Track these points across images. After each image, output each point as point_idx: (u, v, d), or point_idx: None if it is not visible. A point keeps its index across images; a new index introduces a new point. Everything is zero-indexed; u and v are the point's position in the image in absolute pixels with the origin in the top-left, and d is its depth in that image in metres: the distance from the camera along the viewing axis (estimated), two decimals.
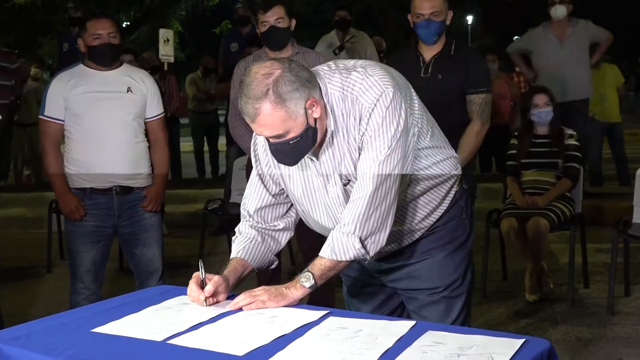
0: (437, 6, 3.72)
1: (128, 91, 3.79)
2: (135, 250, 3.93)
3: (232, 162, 6.43)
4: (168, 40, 10.52)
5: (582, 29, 6.91)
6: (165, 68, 9.55)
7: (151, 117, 3.93)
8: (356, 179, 2.30)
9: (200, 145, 10.36)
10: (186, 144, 10.42)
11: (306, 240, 4.38)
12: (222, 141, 9.23)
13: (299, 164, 2.36)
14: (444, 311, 2.57)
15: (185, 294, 2.49)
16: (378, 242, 2.30)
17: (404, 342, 1.97)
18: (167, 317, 2.25)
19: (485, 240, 5.12)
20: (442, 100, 3.43)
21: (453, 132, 3.17)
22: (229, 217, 6.47)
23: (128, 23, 15.42)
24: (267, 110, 2.14)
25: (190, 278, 2.36)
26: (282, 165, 2.41)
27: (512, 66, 13.71)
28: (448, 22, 4.42)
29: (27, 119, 9.62)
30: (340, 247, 2.29)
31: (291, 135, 2.22)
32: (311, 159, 2.36)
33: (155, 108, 3.94)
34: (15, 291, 5.42)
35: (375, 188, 2.23)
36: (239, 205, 5.91)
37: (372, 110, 2.21)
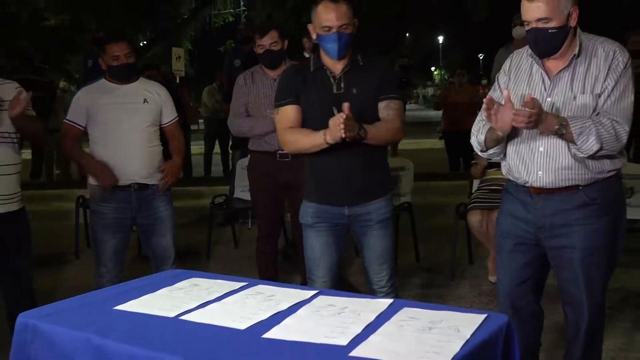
0: (346, 17, 2.92)
1: (144, 102, 3.82)
2: (151, 240, 3.93)
3: (236, 163, 6.44)
4: (180, 57, 10.53)
5: None
6: (177, 81, 9.58)
7: (167, 122, 3.95)
8: None
9: (210, 148, 10.38)
10: (195, 147, 10.42)
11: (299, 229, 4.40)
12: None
13: None
14: None
15: (194, 277, 2.50)
16: None
17: (383, 317, 1.99)
18: (179, 297, 2.26)
19: (454, 230, 5.14)
20: (360, 114, 2.86)
21: None
22: (233, 211, 6.50)
23: (145, 42, 15.35)
24: None
25: (198, 264, 2.39)
26: None
27: (478, 79, 13.74)
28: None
29: (56, 126, 9.55)
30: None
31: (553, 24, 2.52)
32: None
33: (169, 114, 3.97)
34: (47, 275, 5.41)
35: None
36: (242, 200, 5.98)
37: None
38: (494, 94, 2.82)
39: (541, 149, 2.66)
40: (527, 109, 2.43)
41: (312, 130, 2.95)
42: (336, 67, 3.03)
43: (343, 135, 2.74)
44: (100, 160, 3.77)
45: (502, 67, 2.88)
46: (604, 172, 2.67)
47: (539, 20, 2.54)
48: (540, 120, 2.47)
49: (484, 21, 11.44)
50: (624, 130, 2.55)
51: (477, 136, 2.79)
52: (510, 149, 2.77)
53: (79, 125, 3.81)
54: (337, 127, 2.72)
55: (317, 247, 3.11)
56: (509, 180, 2.86)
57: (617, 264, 2.80)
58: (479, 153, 2.89)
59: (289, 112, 3.03)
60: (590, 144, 2.50)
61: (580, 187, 2.67)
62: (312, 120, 2.99)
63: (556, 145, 2.63)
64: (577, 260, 2.69)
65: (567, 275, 2.75)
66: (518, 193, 2.80)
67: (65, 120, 3.87)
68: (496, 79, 2.90)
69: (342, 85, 3.00)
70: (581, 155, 2.56)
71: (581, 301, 2.74)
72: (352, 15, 2.97)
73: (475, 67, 19.94)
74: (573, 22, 2.58)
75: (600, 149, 2.52)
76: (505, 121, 2.50)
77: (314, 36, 3.04)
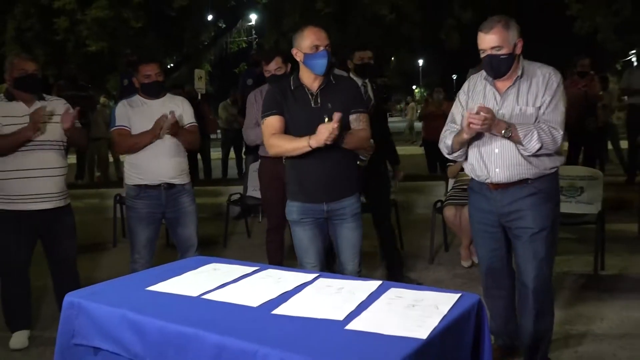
0: (327, 38, 2.93)
1: (170, 114, 3.78)
2: (177, 230, 3.91)
3: (248, 166, 6.43)
4: (201, 77, 10.55)
5: None
6: (199, 97, 9.58)
7: (186, 125, 3.88)
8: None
9: (227, 154, 10.37)
10: (214, 154, 10.44)
11: None
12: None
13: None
14: None
15: (214, 262, 2.49)
16: None
17: (374, 296, 1.99)
18: (201, 279, 2.25)
19: (432, 223, 5.13)
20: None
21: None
22: (246, 207, 6.50)
23: (172, 65, 15.35)
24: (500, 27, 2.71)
25: (216, 252, 2.41)
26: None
27: (452, 96, 13.70)
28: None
29: (97, 134, 9.62)
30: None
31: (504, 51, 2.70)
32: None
33: (189, 119, 3.91)
34: (90, 260, 5.42)
35: None
36: (253, 197, 5.97)
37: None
38: (456, 109, 3.02)
39: (496, 150, 2.82)
40: (482, 114, 2.62)
41: (294, 137, 2.92)
42: (313, 85, 2.98)
43: (329, 141, 2.73)
44: (147, 131, 3.69)
45: (462, 88, 3.04)
46: (546, 169, 2.84)
47: (492, 48, 2.73)
48: (493, 124, 2.66)
49: (457, 48, 11.54)
50: (558, 134, 2.73)
51: (445, 141, 2.99)
52: (472, 151, 2.92)
53: (126, 127, 3.75)
54: (326, 132, 2.70)
55: (305, 239, 3.07)
56: (472, 179, 3.02)
57: (557, 241, 2.96)
58: (446, 155, 3.05)
59: (274, 122, 2.97)
60: (533, 144, 2.69)
61: (529, 181, 2.83)
62: (295, 130, 2.95)
63: (508, 147, 2.78)
64: (529, 237, 2.86)
65: (521, 251, 2.90)
66: (480, 190, 2.97)
67: (114, 128, 3.79)
68: (457, 97, 3.06)
69: (319, 100, 2.97)
70: (526, 153, 2.75)
71: (528, 270, 2.88)
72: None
73: (450, 86, 20.05)
74: (518, 51, 2.77)
75: (541, 147, 2.71)
76: (466, 125, 2.70)
77: (299, 58, 2.96)
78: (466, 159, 2.99)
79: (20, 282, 3.59)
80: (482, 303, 1.94)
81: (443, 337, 1.70)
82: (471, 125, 2.65)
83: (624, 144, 8.90)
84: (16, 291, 3.60)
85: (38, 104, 3.54)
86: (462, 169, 5.20)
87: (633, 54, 15.12)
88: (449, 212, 4.99)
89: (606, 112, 8.76)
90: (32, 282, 3.69)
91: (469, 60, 8.65)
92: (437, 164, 9.11)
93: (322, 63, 2.91)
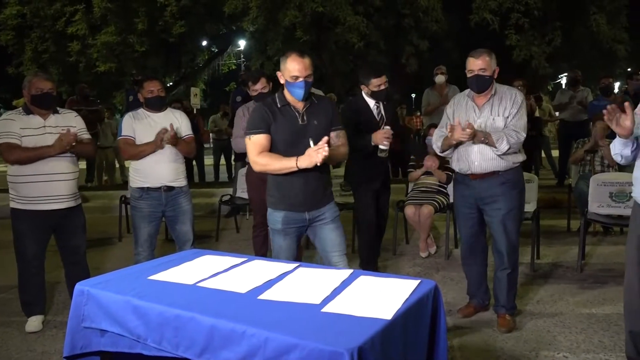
0: (310, 68, 2.75)
1: (170, 127, 3.74)
2: (175, 227, 3.86)
3: (237, 171, 6.39)
4: (196, 94, 10.45)
5: (452, 90, 6.98)
6: (194, 112, 9.50)
7: (184, 136, 3.83)
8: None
9: (217, 160, 10.30)
10: (207, 160, 10.38)
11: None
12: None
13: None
14: None
15: (208, 254, 2.46)
16: None
17: (346, 283, 1.98)
18: (197, 269, 2.22)
19: (395, 220, 5.14)
20: (319, 139, 2.65)
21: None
22: (235, 206, 6.45)
23: (171, 83, 15.20)
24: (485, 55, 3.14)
25: (210, 245, 2.37)
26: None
27: (411, 112, 13.84)
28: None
29: (105, 143, 9.53)
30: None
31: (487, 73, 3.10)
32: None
33: (186, 130, 3.86)
34: (98, 253, 5.34)
35: None
36: (241, 198, 5.92)
37: None
38: (444, 119, 3.39)
39: (475, 149, 3.21)
40: (468, 129, 3.07)
41: (281, 156, 2.73)
42: (298, 104, 2.81)
43: (319, 163, 2.61)
44: (150, 142, 3.64)
45: (450, 103, 3.41)
46: (514, 163, 3.23)
47: (480, 69, 3.13)
48: (475, 135, 3.11)
49: (415, 71, 11.67)
50: (522, 136, 3.14)
51: (436, 143, 3.37)
52: (458, 150, 3.29)
53: (131, 136, 3.69)
54: (316, 155, 2.59)
55: (284, 246, 2.87)
56: (457, 172, 3.38)
57: (522, 218, 3.37)
58: (438, 154, 3.43)
59: (262, 140, 2.76)
60: (504, 146, 3.12)
61: (500, 172, 3.22)
62: (282, 146, 2.77)
63: (484, 147, 3.18)
64: (501, 216, 3.23)
65: (495, 227, 3.28)
66: (463, 180, 3.34)
67: (120, 137, 3.72)
68: (445, 111, 3.42)
69: (305, 118, 2.80)
70: (499, 153, 3.15)
71: (503, 241, 3.27)
72: (313, 66, 2.79)
73: (409, 103, 20.25)
74: (495, 75, 3.18)
75: (510, 148, 3.12)
76: (456, 137, 3.13)
77: (282, 80, 2.80)
78: (453, 155, 3.34)
79: (36, 272, 3.51)
80: (438, 288, 1.95)
81: (405, 317, 1.70)
82: (460, 138, 3.10)
83: (554, 153, 9.06)
84: (32, 280, 3.52)
85: (52, 117, 3.49)
86: (421, 175, 5.26)
87: (562, 77, 15.44)
88: (410, 210, 5.02)
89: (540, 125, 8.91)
90: (46, 272, 3.61)
91: (424, 82, 8.76)
92: (399, 170, 9.18)
93: (299, 92, 2.75)
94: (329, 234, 2.91)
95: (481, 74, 3.13)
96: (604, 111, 2.41)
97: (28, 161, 3.36)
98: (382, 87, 3.91)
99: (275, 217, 2.87)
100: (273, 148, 2.80)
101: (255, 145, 2.78)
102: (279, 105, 2.83)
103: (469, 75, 3.16)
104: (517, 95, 3.21)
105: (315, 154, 2.61)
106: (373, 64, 3.25)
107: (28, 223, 3.42)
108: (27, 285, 3.54)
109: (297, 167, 2.67)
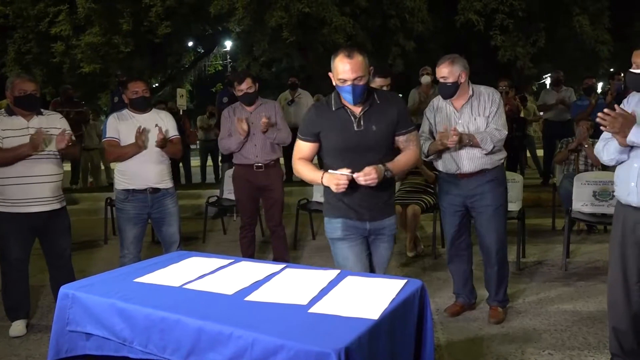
0: (361, 69, 2.37)
1: (156, 126, 3.72)
2: (162, 229, 3.84)
3: (224, 172, 6.37)
4: (182, 95, 10.38)
5: (438, 91, 6.99)
6: (181, 113, 9.44)
7: (170, 137, 3.81)
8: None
9: (204, 161, 10.25)
10: (194, 161, 10.32)
11: (272, 220, 4.37)
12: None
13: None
14: None
15: (194, 256, 2.45)
16: None
17: (333, 283, 1.98)
18: (183, 271, 2.21)
19: None
20: (377, 147, 2.48)
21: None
22: (222, 207, 6.42)
23: (157, 84, 15.08)
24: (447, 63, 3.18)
25: (196, 247, 2.35)
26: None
27: None
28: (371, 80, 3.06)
29: (90, 145, 9.45)
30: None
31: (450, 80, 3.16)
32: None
33: (172, 132, 3.84)
34: (83, 256, 5.28)
35: None
36: (228, 199, 5.91)
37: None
38: (425, 123, 3.42)
39: (463, 150, 3.26)
40: (454, 136, 3.11)
41: (315, 168, 2.55)
42: (354, 108, 2.49)
43: (336, 191, 2.41)
44: (135, 143, 3.63)
45: (429, 106, 3.43)
46: (498, 161, 3.33)
47: (442, 77, 3.22)
48: (461, 140, 3.15)
49: (401, 72, 11.71)
50: (504, 133, 3.22)
51: (422, 148, 3.32)
52: (445, 153, 3.31)
53: (115, 138, 3.67)
54: (336, 187, 2.39)
55: (351, 256, 2.57)
56: (442, 172, 3.40)
57: (506, 214, 3.44)
58: (423, 158, 3.40)
59: (305, 148, 2.58)
60: (488, 145, 3.18)
61: (487, 171, 3.29)
62: (334, 152, 2.52)
63: (470, 147, 3.24)
64: (489, 213, 3.31)
65: (483, 223, 3.34)
66: (450, 179, 3.37)
67: (105, 139, 3.70)
68: (424, 114, 3.45)
69: (362, 123, 2.47)
70: (484, 152, 3.22)
71: (491, 236, 3.33)
72: (367, 65, 2.42)
73: None
74: (462, 80, 3.19)
75: (494, 146, 3.20)
76: (447, 144, 3.18)
77: (334, 82, 2.46)
78: (439, 158, 3.37)
79: (20, 276, 3.47)
80: (425, 287, 1.96)
81: (392, 317, 1.71)
82: (449, 145, 3.16)
83: (539, 152, 9.15)
84: (16, 284, 3.48)
85: (36, 119, 3.44)
86: (409, 173, 5.28)
87: (546, 77, 15.61)
88: (396, 210, 5.02)
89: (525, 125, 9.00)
90: (30, 276, 3.57)
91: (411, 82, 8.81)
92: None
93: (348, 97, 2.43)
94: (383, 252, 2.69)
95: (443, 82, 3.22)
96: (599, 120, 2.35)
97: (5, 162, 3.31)
98: (385, 89, 3.77)
99: (335, 225, 2.58)
100: (325, 154, 2.58)
101: (297, 149, 2.62)
102: (333, 108, 2.52)
103: (438, 83, 3.30)
104: (494, 94, 3.29)
105: (335, 186, 2.39)
106: (380, 65, 3.06)
107: (11, 226, 3.37)
108: (11, 290, 3.49)
109: (322, 183, 2.46)
